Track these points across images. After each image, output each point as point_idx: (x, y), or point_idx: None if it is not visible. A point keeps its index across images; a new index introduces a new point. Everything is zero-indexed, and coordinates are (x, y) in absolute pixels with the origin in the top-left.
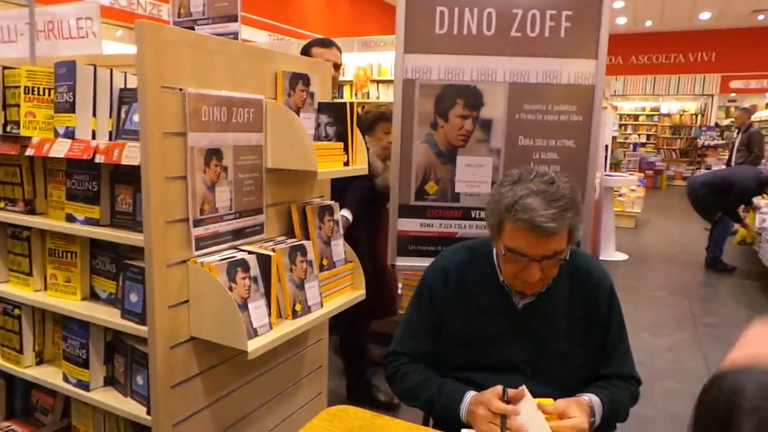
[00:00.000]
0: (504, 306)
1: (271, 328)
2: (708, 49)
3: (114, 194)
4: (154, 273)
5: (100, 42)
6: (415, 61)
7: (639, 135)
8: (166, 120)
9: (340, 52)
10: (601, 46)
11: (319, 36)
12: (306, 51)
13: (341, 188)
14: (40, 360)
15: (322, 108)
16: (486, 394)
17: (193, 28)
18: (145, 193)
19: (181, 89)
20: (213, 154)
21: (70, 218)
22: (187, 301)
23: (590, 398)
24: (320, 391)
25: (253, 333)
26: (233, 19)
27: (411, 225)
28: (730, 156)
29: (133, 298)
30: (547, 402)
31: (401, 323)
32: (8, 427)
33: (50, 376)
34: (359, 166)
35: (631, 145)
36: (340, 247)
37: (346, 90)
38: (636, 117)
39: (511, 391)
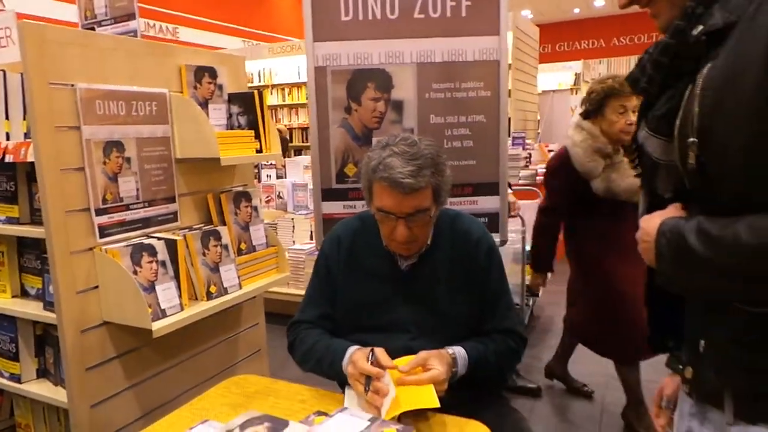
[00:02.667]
0: (390, 270)
1: (182, 309)
2: None
3: (31, 192)
4: (56, 260)
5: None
6: (324, 49)
7: None
8: (58, 115)
9: None
10: (502, 22)
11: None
12: None
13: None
14: None
15: (233, 99)
16: (356, 353)
17: (94, 29)
18: (41, 184)
19: (72, 85)
20: (113, 146)
21: None
22: (97, 287)
23: (454, 350)
24: (261, 373)
25: (162, 314)
26: (133, 17)
27: (335, 207)
28: None
29: (52, 289)
30: (403, 361)
31: (305, 294)
32: None
33: None
34: (273, 152)
35: None
36: (260, 232)
37: None
38: None
39: (377, 351)
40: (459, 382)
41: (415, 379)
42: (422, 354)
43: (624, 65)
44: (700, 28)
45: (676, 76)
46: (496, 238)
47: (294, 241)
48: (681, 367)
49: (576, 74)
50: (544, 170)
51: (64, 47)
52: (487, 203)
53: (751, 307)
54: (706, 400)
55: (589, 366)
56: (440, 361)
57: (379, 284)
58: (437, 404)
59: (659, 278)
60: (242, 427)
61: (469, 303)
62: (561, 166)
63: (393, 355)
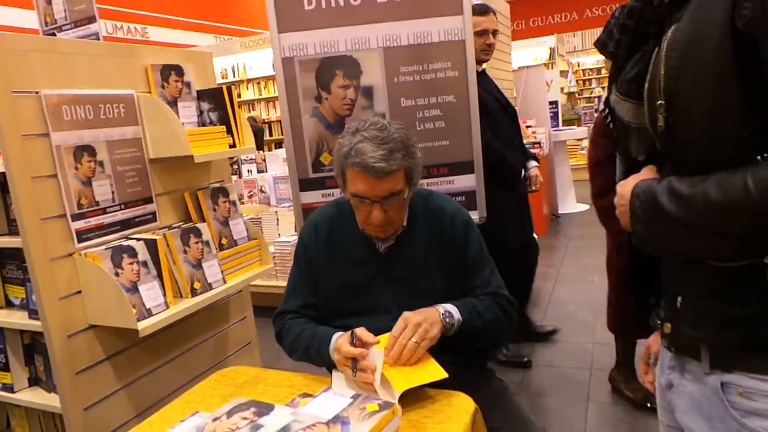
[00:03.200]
0: (369, 253)
1: (167, 307)
2: None
3: (6, 203)
4: (35, 268)
5: None
6: (290, 39)
7: (603, 88)
8: (25, 123)
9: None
10: (465, 1)
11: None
12: None
13: None
14: None
15: (202, 95)
16: (339, 340)
17: (55, 34)
18: (13, 194)
19: (36, 92)
20: (84, 150)
21: None
22: (80, 292)
23: (441, 305)
24: (253, 365)
25: (147, 313)
26: (93, 20)
27: (313, 197)
28: None
29: (36, 297)
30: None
31: (287, 285)
32: None
33: None
34: (246, 146)
35: (596, 99)
36: (240, 226)
37: None
38: (599, 70)
39: (357, 332)
40: (455, 340)
41: (410, 357)
42: (405, 314)
43: (597, 36)
44: None
45: (643, 38)
46: (474, 215)
47: (279, 234)
48: (660, 322)
49: (551, 48)
50: (589, 147)
51: (24, 55)
52: (463, 182)
53: (721, 262)
54: (685, 353)
55: (581, 335)
56: (426, 321)
57: (359, 268)
58: (444, 375)
59: (634, 240)
60: (229, 414)
61: (449, 279)
62: (599, 136)
63: (376, 335)
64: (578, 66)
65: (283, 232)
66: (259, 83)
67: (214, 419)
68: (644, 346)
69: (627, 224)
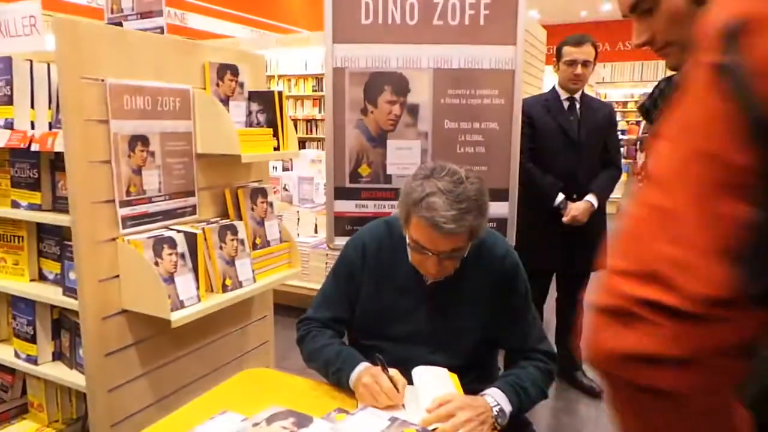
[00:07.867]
0: (415, 283)
1: (199, 300)
2: None
3: (54, 180)
4: (81, 249)
5: (43, 38)
6: (343, 51)
7: (628, 122)
8: (88, 108)
9: (596, 48)
10: (519, 33)
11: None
12: (558, 50)
13: None
14: None
15: (253, 97)
16: (373, 370)
17: (122, 24)
18: (70, 175)
19: (102, 80)
20: (138, 140)
21: (15, 204)
22: (117, 276)
23: (492, 396)
24: (267, 364)
25: (180, 305)
26: (159, 13)
27: (347, 206)
28: None
29: (72, 275)
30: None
31: (319, 292)
32: None
33: (4, 353)
34: (290, 150)
35: (620, 131)
36: (274, 228)
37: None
38: (625, 104)
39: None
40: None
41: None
42: (456, 402)
43: (628, 69)
44: None
45: None
46: None
47: (298, 234)
48: None
49: None
50: None
51: (95, 43)
52: (496, 209)
53: None
54: None
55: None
56: (478, 419)
57: (403, 296)
58: None
59: None
60: (269, 421)
61: (490, 318)
62: None
63: (411, 365)
64: (605, 97)
65: (303, 232)
66: (289, 80)
67: (254, 425)
68: None
69: None
